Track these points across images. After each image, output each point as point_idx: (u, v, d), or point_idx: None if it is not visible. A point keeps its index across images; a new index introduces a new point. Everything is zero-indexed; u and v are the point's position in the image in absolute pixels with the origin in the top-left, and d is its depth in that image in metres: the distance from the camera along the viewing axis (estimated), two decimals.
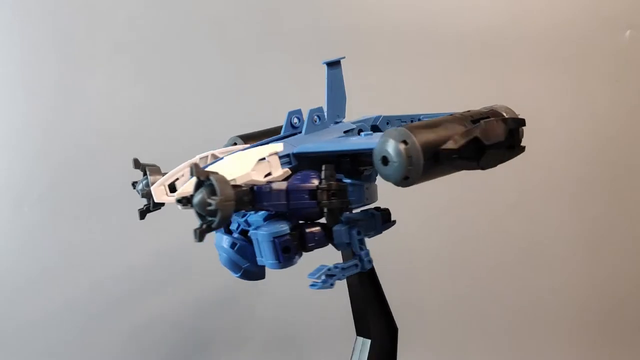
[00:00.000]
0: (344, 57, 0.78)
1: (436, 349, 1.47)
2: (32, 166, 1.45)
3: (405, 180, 0.52)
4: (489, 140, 0.55)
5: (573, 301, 1.51)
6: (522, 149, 0.60)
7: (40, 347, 1.44)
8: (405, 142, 0.51)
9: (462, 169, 0.56)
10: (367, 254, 0.65)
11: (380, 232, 0.70)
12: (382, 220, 0.70)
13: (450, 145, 0.52)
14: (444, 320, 1.49)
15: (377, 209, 0.71)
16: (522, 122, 0.59)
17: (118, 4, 1.45)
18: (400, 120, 0.83)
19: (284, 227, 0.62)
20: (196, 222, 0.54)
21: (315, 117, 0.75)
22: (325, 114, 0.77)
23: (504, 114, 0.59)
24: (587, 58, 1.47)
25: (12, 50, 1.44)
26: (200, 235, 0.53)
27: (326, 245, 0.65)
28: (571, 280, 1.51)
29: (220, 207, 0.52)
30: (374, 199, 0.70)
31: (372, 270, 0.78)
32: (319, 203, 0.60)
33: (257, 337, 1.48)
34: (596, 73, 1.47)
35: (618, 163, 1.50)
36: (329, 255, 0.70)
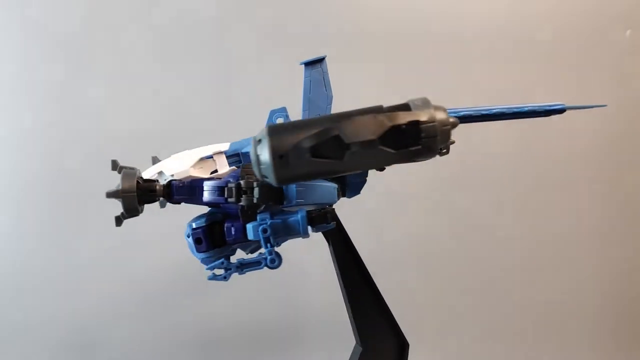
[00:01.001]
0: (325, 57, 0.78)
1: (439, 351, 1.47)
2: (32, 166, 1.45)
3: (266, 178, 0.51)
4: (352, 138, 0.49)
5: (577, 302, 1.51)
6: (428, 149, 0.51)
7: (39, 346, 1.44)
8: (260, 141, 0.50)
9: (335, 170, 0.51)
10: (271, 252, 0.64)
11: (306, 233, 0.67)
12: (312, 221, 0.67)
13: (299, 144, 0.49)
14: (447, 322, 1.49)
15: (318, 210, 0.69)
16: (416, 121, 0.50)
17: (118, 4, 1.45)
18: None
19: (201, 220, 0.67)
20: None
21: (276, 118, 0.76)
22: (301, 114, 0.77)
23: (411, 110, 0.51)
24: (587, 58, 1.47)
25: (13, 50, 1.45)
26: (115, 220, 0.65)
27: (247, 241, 0.67)
28: (574, 281, 1.51)
29: (120, 197, 0.63)
30: (315, 198, 0.67)
31: (364, 277, 0.75)
32: (226, 199, 0.63)
33: (256, 339, 1.48)
34: (596, 73, 1.47)
35: (619, 163, 1.50)
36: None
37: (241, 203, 0.62)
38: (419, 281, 1.48)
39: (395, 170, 0.84)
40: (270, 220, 0.64)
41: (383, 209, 1.44)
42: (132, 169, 0.65)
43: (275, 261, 0.65)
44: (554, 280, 1.50)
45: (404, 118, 0.50)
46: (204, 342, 1.47)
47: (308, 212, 0.66)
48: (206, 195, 0.65)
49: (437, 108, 0.51)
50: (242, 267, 0.66)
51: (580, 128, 1.48)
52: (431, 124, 0.50)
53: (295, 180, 0.54)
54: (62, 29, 1.44)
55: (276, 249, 0.67)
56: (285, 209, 0.66)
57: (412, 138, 0.50)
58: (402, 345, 0.75)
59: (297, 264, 1.31)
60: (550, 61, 1.46)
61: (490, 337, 1.49)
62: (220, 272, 0.66)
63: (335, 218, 0.74)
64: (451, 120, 0.52)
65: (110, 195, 0.63)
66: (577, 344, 1.50)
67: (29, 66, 1.45)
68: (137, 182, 0.64)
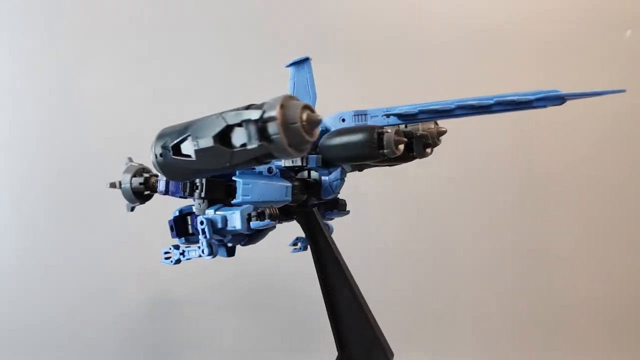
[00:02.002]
0: (308, 57, 0.78)
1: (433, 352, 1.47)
2: (32, 166, 1.45)
3: (160, 175, 0.58)
4: (194, 138, 0.52)
5: (579, 304, 1.51)
6: (268, 148, 0.47)
7: (38, 346, 1.45)
8: (152, 143, 0.57)
9: (194, 167, 0.54)
10: (204, 244, 0.68)
11: (245, 229, 0.68)
12: (249, 217, 0.68)
13: (165, 144, 0.55)
14: (439, 331, 1.48)
15: (262, 208, 0.70)
16: (249, 119, 0.48)
17: (119, 4, 1.45)
18: (356, 115, 0.72)
19: (176, 210, 0.73)
20: None
21: None
22: None
23: (260, 108, 0.48)
24: (587, 58, 1.47)
25: (13, 50, 1.45)
26: (126, 207, 0.79)
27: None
28: (571, 282, 1.51)
29: (121, 189, 0.77)
30: (260, 196, 0.67)
31: (345, 283, 0.73)
32: (183, 193, 0.71)
33: (254, 339, 1.48)
34: (596, 73, 1.47)
35: (619, 162, 1.50)
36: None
37: (194, 197, 0.70)
38: (411, 287, 1.48)
39: (392, 173, 0.84)
40: (213, 214, 0.68)
41: (375, 213, 1.45)
42: (139, 165, 0.76)
43: (205, 251, 0.69)
44: (559, 284, 1.50)
45: (238, 117, 0.49)
46: (206, 344, 1.47)
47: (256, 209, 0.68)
48: (172, 189, 0.72)
49: (289, 106, 0.47)
50: (183, 253, 0.72)
51: (578, 128, 1.48)
52: (270, 123, 0.46)
53: (178, 177, 0.61)
54: (62, 29, 1.44)
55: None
56: (235, 204, 0.68)
57: (250, 137, 0.48)
58: (386, 356, 0.72)
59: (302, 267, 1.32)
60: (550, 61, 1.46)
61: (485, 346, 1.49)
62: (171, 256, 0.73)
63: (311, 220, 0.76)
64: (305, 117, 0.47)
65: (111, 185, 0.76)
66: (578, 347, 1.50)
67: (28, 66, 1.45)
68: (134, 175, 0.76)
